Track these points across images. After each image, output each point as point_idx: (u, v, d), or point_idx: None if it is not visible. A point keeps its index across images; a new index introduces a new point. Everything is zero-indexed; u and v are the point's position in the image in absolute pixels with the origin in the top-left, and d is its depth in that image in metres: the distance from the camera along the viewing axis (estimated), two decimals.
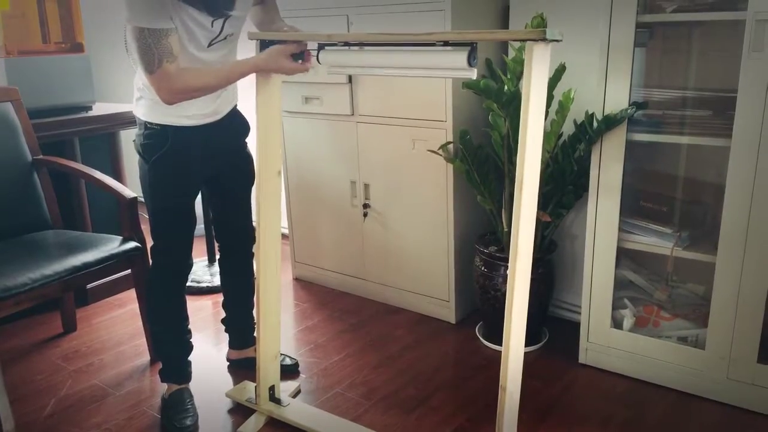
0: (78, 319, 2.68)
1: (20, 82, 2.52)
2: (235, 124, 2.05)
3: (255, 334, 2.30)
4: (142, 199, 2.01)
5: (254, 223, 1.95)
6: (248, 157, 2.11)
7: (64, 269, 2.07)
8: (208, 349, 2.50)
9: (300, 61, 1.74)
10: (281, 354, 2.28)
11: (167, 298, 2.05)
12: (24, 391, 2.22)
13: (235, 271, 2.25)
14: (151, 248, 2.00)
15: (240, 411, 2.08)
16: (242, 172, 2.11)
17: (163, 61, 1.65)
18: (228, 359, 2.39)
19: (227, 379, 2.28)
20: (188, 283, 3.04)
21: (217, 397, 2.16)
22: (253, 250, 2.17)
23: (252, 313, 2.29)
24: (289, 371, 2.28)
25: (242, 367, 2.32)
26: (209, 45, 1.80)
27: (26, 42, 2.82)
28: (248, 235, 2.18)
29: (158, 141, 1.86)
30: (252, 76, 1.80)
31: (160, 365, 2.13)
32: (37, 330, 2.66)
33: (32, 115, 2.50)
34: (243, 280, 2.25)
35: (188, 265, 2.04)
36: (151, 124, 1.87)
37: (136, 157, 1.93)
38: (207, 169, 2.00)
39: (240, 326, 2.33)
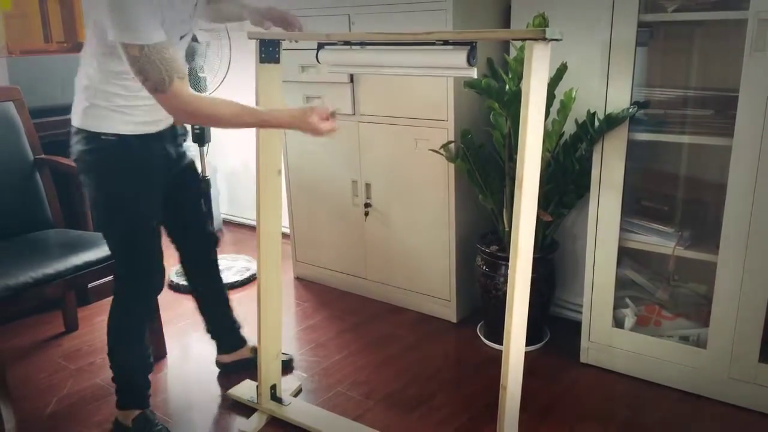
0: (79, 318, 2.68)
1: (22, 81, 2.53)
2: (177, 129, 1.93)
3: (242, 334, 2.29)
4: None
5: (254, 222, 1.94)
6: (192, 161, 2.03)
7: (65, 268, 2.07)
8: (209, 348, 2.50)
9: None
10: None
11: (140, 327, 1.93)
12: (25, 389, 2.22)
13: (206, 275, 2.17)
14: (121, 279, 1.86)
15: (241, 410, 2.08)
16: (194, 176, 2.04)
17: (173, 77, 1.53)
18: (221, 364, 2.31)
19: (229, 378, 2.28)
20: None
21: (219, 397, 2.16)
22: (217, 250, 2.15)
23: (233, 313, 2.27)
24: (285, 367, 2.25)
25: (238, 370, 2.28)
26: (180, 38, 1.73)
27: (28, 41, 2.83)
28: (213, 237, 2.13)
29: (119, 153, 1.71)
30: (252, 73, 1.80)
31: (144, 374, 1.99)
32: (39, 329, 2.66)
33: (34, 115, 2.51)
34: (216, 281, 2.20)
35: (162, 286, 1.94)
36: (107, 135, 1.69)
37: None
38: (167, 178, 1.88)
39: (226, 328, 2.28)
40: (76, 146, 1.74)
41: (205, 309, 2.23)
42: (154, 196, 1.82)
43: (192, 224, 2.08)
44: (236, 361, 2.30)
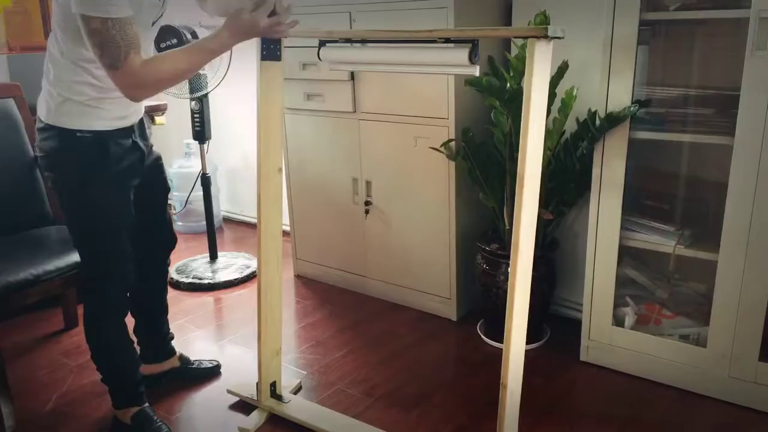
0: (79, 315, 2.67)
1: (23, 78, 2.52)
2: (144, 122, 1.88)
3: (173, 343, 2.24)
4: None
5: (255, 220, 1.92)
6: (160, 156, 1.97)
7: (65, 265, 2.07)
8: (209, 345, 2.50)
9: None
10: (196, 360, 2.28)
11: (118, 327, 1.86)
12: (26, 386, 2.22)
13: (156, 277, 2.07)
14: (95, 281, 1.80)
15: (242, 407, 2.08)
16: (161, 172, 1.99)
17: (129, 53, 1.46)
18: (149, 376, 2.13)
19: (229, 375, 2.28)
20: (190, 280, 3.05)
21: (219, 394, 2.16)
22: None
23: (168, 322, 2.21)
24: (212, 373, 2.26)
25: (168, 380, 2.20)
26: (153, 23, 1.68)
27: (28, 38, 2.83)
28: (174, 238, 2.09)
29: (96, 150, 1.66)
30: (253, 70, 1.79)
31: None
32: (39, 326, 2.66)
33: (34, 112, 2.50)
34: (163, 286, 2.14)
35: (133, 282, 1.87)
36: (82, 132, 1.64)
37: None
38: (139, 174, 1.82)
39: (160, 337, 2.19)
40: (47, 143, 1.67)
41: (143, 314, 2.06)
42: (129, 194, 1.78)
43: (157, 223, 2.00)
44: (167, 371, 2.21)
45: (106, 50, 1.46)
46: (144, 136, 1.86)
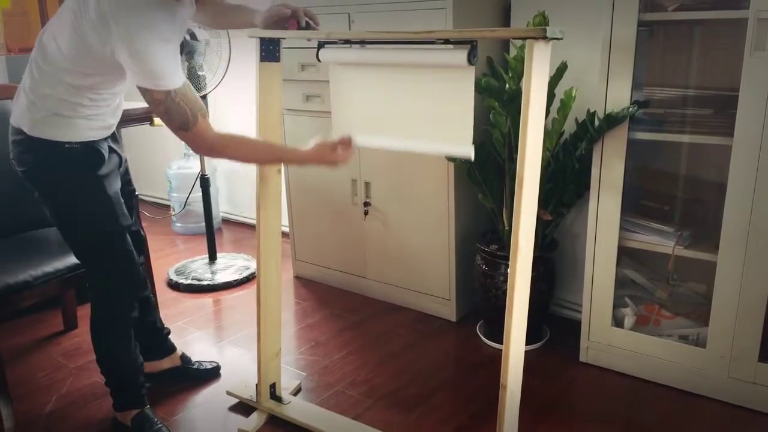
0: (79, 316, 2.68)
1: (21, 79, 2.52)
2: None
3: (171, 340, 2.23)
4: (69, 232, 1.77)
5: (254, 221, 1.92)
6: (126, 160, 1.96)
7: (65, 266, 2.07)
8: (209, 347, 2.50)
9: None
10: (196, 361, 2.28)
11: (126, 331, 1.87)
12: (25, 388, 2.22)
13: None
14: (102, 285, 1.81)
15: (241, 409, 2.08)
16: (128, 174, 1.99)
17: (197, 116, 1.52)
18: (151, 374, 2.15)
19: (228, 377, 2.28)
20: (189, 281, 3.05)
21: (218, 395, 2.16)
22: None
23: (161, 318, 2.21)
24: (212, 375, 2.26)
25: (170, 379, 2.21)
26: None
27: (27, 39, 2.83)
28: (143, 237, 2.09)
29: (88, 160, 1.68)
30: (252, 71, 1.79)
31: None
32: (38, 327, 2.66)
33: None
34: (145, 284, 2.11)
35: (141, 284, 1.90)
36: (71, 143, 1.64)
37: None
38: (120, 178, 1.84)
39: (155, 335, 2.19)
40: (29, 156, 1.65)
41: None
42: (120, 196, 1.78)
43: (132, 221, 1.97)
44: (167, 369, 2.22)
45: (173, 116, 1.52)
46: (116, 140, 1.86)
